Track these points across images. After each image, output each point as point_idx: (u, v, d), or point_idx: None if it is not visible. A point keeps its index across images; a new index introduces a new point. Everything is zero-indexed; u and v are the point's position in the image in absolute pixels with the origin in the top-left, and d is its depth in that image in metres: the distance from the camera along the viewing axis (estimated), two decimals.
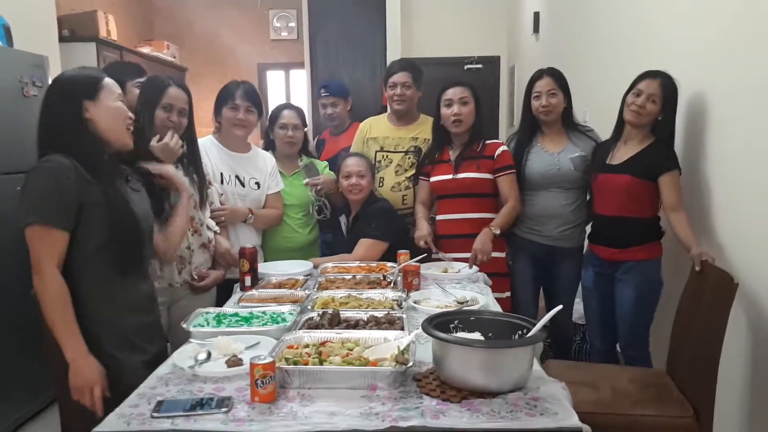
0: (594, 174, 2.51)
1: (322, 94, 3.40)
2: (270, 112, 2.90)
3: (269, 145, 2.94)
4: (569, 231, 2.69)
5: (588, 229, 2.67)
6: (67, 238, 1.58)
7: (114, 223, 1.62)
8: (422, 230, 2.67)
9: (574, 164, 2.64)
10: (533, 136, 2.75)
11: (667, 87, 2.29)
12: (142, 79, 2.92)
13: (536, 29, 4.94)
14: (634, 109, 2.33)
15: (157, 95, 2.09)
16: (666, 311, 2.36)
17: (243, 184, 2.60)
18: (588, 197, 2.70)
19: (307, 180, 2.82)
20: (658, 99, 2.30)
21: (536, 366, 1.47)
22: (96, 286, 1.64)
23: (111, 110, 1.68)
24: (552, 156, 2.67)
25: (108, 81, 1.71)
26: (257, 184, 2.64)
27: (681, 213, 2.26)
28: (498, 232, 2.58)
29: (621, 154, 2.41)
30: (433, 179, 2.74)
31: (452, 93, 2.67)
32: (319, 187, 2.84)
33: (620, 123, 2.45)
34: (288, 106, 2.92)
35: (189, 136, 2.21)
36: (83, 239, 1.60)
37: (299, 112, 2.89)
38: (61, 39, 4.42)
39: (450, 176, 2.68)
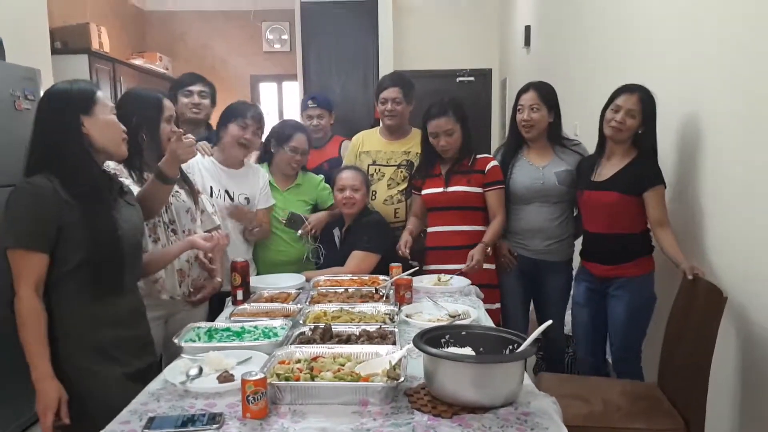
0: (580, 191, 2.51)
1: (310, 105, 3.40)
2: (277, 127, 2.88)
3: (265, 158, 2.92)
4: (555, 245, 2.70)
5: (578, 244, 2.68)
6: (46, 259, 1.59)
7: (91, 243, 1.62)
8: (401, 240, 2.70)
9: (559, 179, 2.64)
10: (519, 149, 2.75)
11: (645, 101, 2.31)
12: (204, 88, 3.01)
13: (527, 42, 5.00)
14: (614, 125, 2.34)
15: (158, 110, 2.08)
16: (657, 324, 2.38)
17: (232, 199, 2.60)
18: (576, 212, 2.71)
19: (300, 232, 2.79)
20: (637, 113, 2.31)
21: (527, 380, 1.47)
22: (73, 301, 1.64)
23: (106, 124, 1.69)
24: (536, 170, 2.68)
25: (101, 94, 1.71)
26: (246, 199, 2.64)
27: (667, 229, 2.27)
28: (489, 250, 2.62)
29: (606, 171, 2.42)
30: (424, 192, 2.76)
31: (436, 125, 2.65)
32: (313, 231, 2.81)
33: (602, 139, 2.46)
34: (301, 128, 2.89)
35: None
36: (62, 258, 1.61)
37: (309, 136, 2.89)
38: (54, 51, 4.42)
39: (441, 189, 2.69)
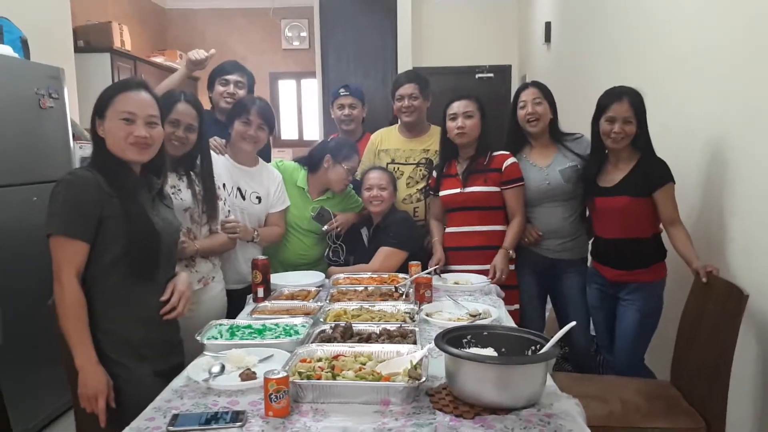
0: (590, 199, 2.49)
1: (342, 93, 3.33)
2: (335, 144, 2.85)
3: (308, 163, 2.87)
4: (570, 243, 2.68)
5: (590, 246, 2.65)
6: (87, 248, 1.63)
7: (130, 234, 1.66)
8: (435, 256, 2.69)
9: (564, 177, 2.62)
10: (520, 150, 2.73)
11: (635, 104, 2.29)
12: (241, 79, 2.98)
13: (548, 39, 4.95)
14: (614, 137, 2.31)
15: (165, 111, 2.05)
16: (664, 322, 2.36)
17: (243, 197, 2.59)
18: (587, 214, 2.67)
19: (324, 227, 2.78)
20: (632, 117, 2.29)
21: (550, 381, 1.46)
22: (109, 296, 1.67)
23: (112, 129, 1.70)
24: (540, 170, 2.66)
25: (118, 98, 1.71)
26: (258, 198, 2.63)
27: (680, 227, 2.25)
28: (512, 252, 2.62)
29: (614, 176, 2.39)
30: (442, 193, 2.74)
31: (457, 107, 2.66)
32: (339, 229, 2.81)
33: (598, 144, 2.43)
34: (357, 150, 2.90)
35: (201, 150, 2.23)
36: (101, 250, 1.65)
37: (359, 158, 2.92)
38: (77, 50, 4.48)
39: (458, 190, 2.67)
